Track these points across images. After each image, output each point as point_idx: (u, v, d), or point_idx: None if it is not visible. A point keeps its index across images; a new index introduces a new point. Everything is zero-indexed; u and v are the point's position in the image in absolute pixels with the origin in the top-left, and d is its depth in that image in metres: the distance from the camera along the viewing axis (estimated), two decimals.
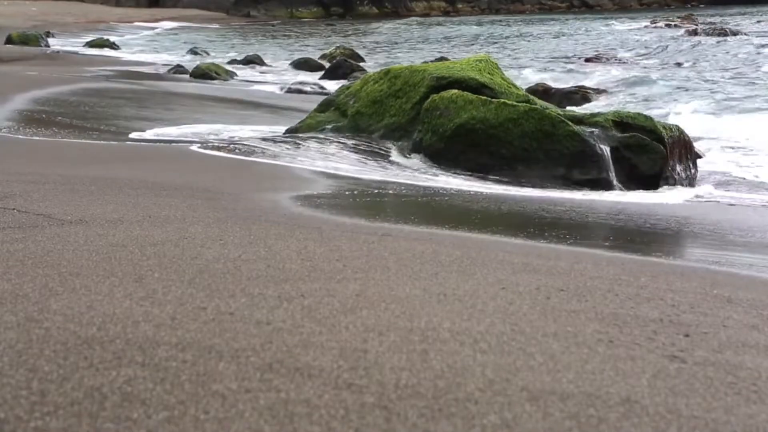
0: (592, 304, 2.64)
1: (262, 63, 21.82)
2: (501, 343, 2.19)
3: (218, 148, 6.94)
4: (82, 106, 10.40)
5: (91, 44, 27.21)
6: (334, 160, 7.03)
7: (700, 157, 7.88)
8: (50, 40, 27.48)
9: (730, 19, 38.34)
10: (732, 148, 9.31)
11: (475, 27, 42.57)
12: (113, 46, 27.21)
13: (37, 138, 7.29)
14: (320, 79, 17.62)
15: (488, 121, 6.91)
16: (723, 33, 28.57)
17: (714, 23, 33.45)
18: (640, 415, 1.81)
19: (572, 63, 22.23)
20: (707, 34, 28.64)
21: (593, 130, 6.85)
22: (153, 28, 43.02)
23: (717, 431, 1.77)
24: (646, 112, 8.13)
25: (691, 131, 7.88)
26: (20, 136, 7.25)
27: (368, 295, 2.58)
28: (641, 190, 6.67)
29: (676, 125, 7.42)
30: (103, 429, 1.62)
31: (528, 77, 17.45)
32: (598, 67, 20.32)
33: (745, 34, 28.97)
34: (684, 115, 11.19)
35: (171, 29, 43.03)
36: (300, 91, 14.76)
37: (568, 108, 10.03)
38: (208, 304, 2.41)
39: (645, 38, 29.87)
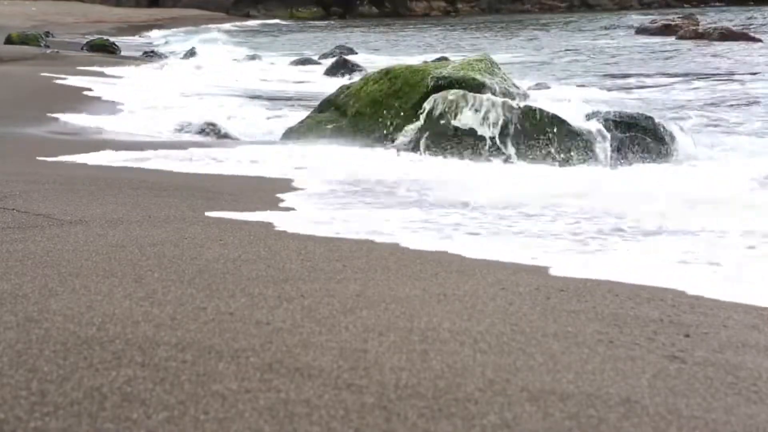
0: (592, 304, 2.64)
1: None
2: (501, 343, 2.19)
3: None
4: None
5: (90, 45, 27.18)
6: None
7: None
8: (50, 40, 27.45)
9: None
10: None
11: (475, 27, 42.51)
12: (113, 47, 27.17)
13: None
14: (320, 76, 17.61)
15: None
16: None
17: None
18: (640, 415, 1.81)
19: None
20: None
21: (593, 129, 6.84)
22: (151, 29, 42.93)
23: (717, 431, 1.77)
24: None
25: None
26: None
27: (368, 295, 2.58)
28: None
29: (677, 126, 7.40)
30: (103, 429, 1.62)
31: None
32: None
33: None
34: None
35: (167, 33, 42.78)
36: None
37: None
38: (208, 304, 2.41)
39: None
